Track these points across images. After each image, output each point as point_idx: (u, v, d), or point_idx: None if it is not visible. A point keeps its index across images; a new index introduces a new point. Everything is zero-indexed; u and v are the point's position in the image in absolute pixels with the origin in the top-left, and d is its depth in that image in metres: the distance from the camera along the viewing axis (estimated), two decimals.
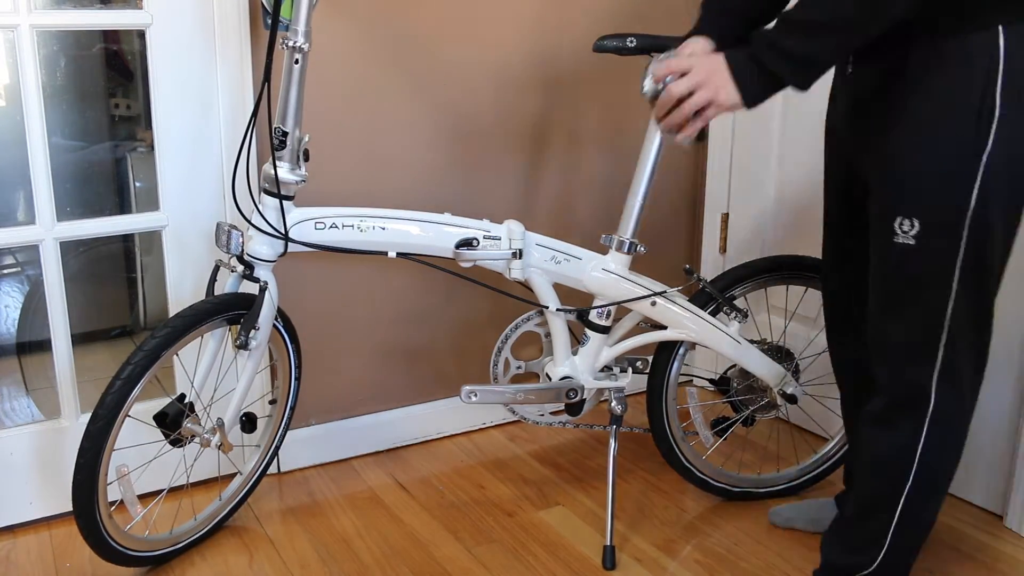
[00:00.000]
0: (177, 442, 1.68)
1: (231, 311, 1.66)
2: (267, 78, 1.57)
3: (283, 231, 1.66)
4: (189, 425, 1.68)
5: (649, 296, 1.83)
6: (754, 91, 1.31)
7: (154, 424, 1.66)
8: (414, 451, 2.26)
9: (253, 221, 1.66)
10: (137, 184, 2.73)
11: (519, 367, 1.95)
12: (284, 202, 1.64)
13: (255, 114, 1.65)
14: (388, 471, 2.16)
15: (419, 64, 2.07)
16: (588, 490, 2.08)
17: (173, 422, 1.66)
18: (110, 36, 2.72)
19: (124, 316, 2.89)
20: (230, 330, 1.73)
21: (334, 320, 2.13)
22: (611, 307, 1.85)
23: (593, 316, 1.86)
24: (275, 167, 1.62)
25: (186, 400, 1.69)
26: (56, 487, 1.90)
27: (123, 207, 2.81)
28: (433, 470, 2.16)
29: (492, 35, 2.14)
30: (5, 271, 2.88)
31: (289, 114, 1.60)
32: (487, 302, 2.27)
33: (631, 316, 1.89)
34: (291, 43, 1.56)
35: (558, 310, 1.84)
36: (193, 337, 1.61)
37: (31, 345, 2.68)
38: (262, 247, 1.66)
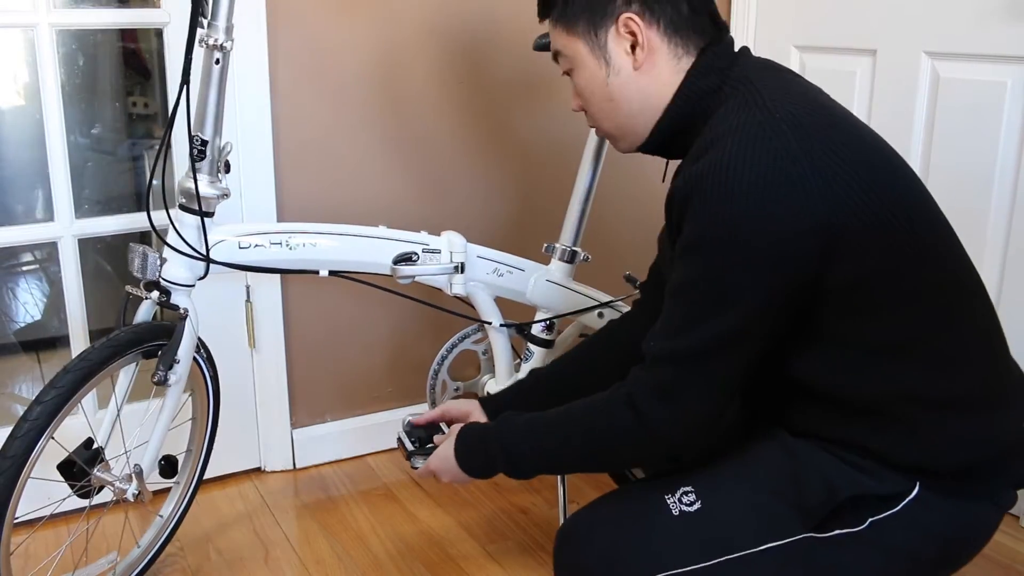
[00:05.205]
0: (87, 494, 1.49)
1: (149, 342, 1.48)
2: (186, 79, 1.40)
3: (204, 252, 1.49)
4: (99, 474, 1.49)
5: (595, 308, 1.75)
6: (477, 472, 1.36)
7: (59, 476, 1.46)
8: None
9: (169, 241, 1.49)
10: (154, 182, 2.64)
11: (457, 389, 1.84)
12: (205, 219, 1.48)
13: (171, 121, 1.47)
14: (403, 468, 2.11)
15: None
16: (603, 489, 2.00)
17: (81, 472, 1.46)
18: (128, 35, 2.72)
19: None
20: (137, 364, 1.55)
21: (349, 316, 2.07)
22: (555, 320, 1.77)
23: (536, 330, 1.77)
24: (195, 180, 1.46)
25: (94, 446, 1.50)
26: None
27: (140, 205, 2.75)
28: None
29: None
30: (24, 268, 2.90)
31: (208, 120, 1.45)
32: None
33: (574, 327, 1.82)
34: (211, 41, 1.41)
35: (501, 325, 1.73)
36: (109, 373, 1.42)
37: (50, 342, 2.68)
38: (180, 270, 1.49)
